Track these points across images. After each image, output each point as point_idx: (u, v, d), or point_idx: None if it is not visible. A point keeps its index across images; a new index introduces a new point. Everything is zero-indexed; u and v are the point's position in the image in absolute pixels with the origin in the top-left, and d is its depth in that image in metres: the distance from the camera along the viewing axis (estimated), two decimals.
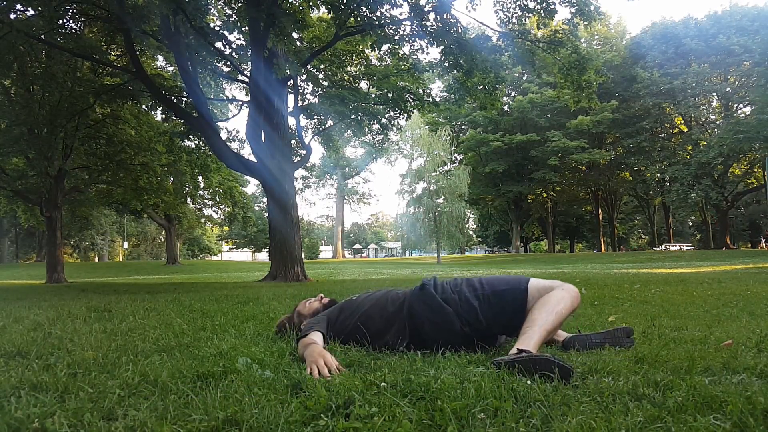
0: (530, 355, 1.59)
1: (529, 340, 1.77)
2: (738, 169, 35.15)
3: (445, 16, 10.39)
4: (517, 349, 1.70)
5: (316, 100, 14.29)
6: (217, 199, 26.72)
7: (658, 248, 39.14)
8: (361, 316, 2.15)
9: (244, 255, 67.56)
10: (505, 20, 11.32)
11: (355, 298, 2.33)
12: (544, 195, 45.51)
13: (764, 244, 40.26)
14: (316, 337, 2.02)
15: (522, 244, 53.02)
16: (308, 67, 12.73)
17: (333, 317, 2.24)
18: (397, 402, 1.32)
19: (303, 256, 12.14)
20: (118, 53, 14.83)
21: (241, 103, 14.61)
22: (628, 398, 1.34)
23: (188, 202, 27.36)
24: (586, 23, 11.22)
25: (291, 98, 13.56)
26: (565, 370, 1.50)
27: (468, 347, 1.99)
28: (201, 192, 25.69)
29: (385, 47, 12.23)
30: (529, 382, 1.46)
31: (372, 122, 14.41)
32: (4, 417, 1.26)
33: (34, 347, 2.23)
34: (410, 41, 11.43)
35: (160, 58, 16.40)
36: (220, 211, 32.90)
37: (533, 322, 1.85)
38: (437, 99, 16.57)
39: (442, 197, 35.10)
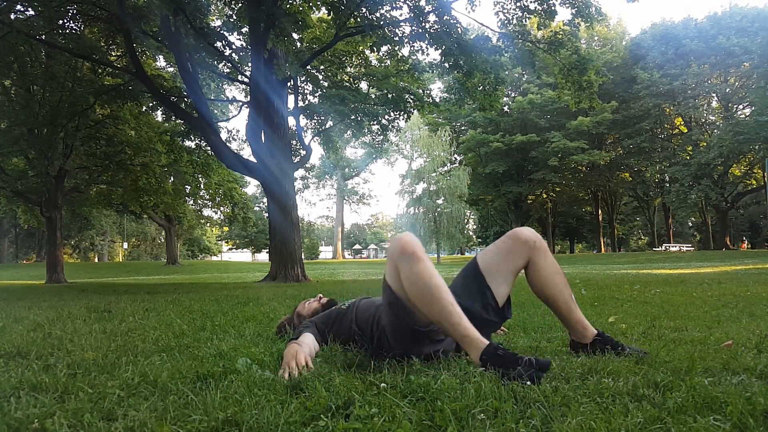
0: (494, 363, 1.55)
1: (466, 339, 1.60)
2: (738, 169, 35.17)
3: (445, 18, 10.40)
4: (479, 360, 1.59)
5: (316, 100, 14.30)
6: (217, 200, 26.75)
7: (657, 249, 39.15)
8: (352, 332, 2.09)
9: (244, 255, 67.54)
10: (506, 21, 11.34)
11: (346, 310, 2.22)
12: (544, 196, 45.54)
13: None
14: (308, 339, 2.00)
15: None
16: (308, 67, 12.75)
17: (320, 325, 2.18)
18: (397, 402, 1.32)
19: (303, 257, 12.14)
20: (118, 54, 14.86)
21: (241, 103, 14.63)
22: (628, 399, 1.34)
23: (189, 202, 27.38)
24: (587, 24, 11.24)
25: (291, 98, 13.57)
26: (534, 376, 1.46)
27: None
28: (201, 192, 25.72)
29: (384, 48, 12.24)
30: (528, 382, 1.47)
31: (372, 123, 14.42)
32: (4, 417, 1.26)
33: (33, 348, 2.23)
34: (410, 42, 11.44)
35: (161, 58, 16.42)
36: (220, 212, 32.93)
37: (441, 322, 1.64)
38: (437, 99, 16.58)
39: (442, 198, 35.14)
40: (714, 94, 36.61)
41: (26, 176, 15.55)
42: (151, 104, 15.66)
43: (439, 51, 10.86)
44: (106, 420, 1.26)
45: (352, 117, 13.34)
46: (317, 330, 2.14)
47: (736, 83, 35.10)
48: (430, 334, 1.81)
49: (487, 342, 1.61)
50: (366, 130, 15.06)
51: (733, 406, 1.22)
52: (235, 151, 13.09)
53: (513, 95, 41.39)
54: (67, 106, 13.63)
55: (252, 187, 45.64)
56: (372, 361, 1.82)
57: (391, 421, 1.20)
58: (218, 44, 11.56)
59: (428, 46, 11.13)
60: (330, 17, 11.64)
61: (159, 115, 17.90)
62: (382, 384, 1.48)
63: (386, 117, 14.26)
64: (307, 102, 14.50)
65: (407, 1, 10.56)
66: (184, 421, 1.23)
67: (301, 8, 12.02)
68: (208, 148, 14.05)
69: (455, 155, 41.93)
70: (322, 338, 2.12)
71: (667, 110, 36.37)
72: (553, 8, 10.92)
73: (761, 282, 6.31)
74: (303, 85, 14.32)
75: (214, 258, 62.27)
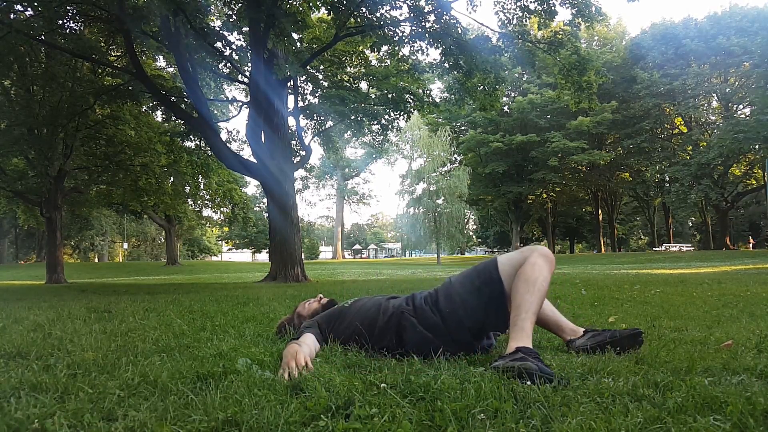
0: (517, 360, 1.59)
1: (521, 332, 1.73)
2: (738, 169, 35.16)
3: (444, 17, 10.39)
4: (515, 348, 1.68)
5: (316, 100, 14.30)
6: (217, 201, 26.77)
7: (657, 249, 39.15)
8: (354, 328, 2.10)
9: (244, 256, 67.52)
10: (506, 21, 11.32)
11: (348, 307, 2.25)
12: (544, 195, 45.52)
13: None
14: (309, 339, 2.00)
15: (522, 245, 52.82)
16: (308, 67, 12.75)
17: (323, 326, 2.19)
18: (398, 402, 1.32)
19: (303, 257, 12.14)
20: (118, 54, 14.85)
21: (241, 103, 14.63)
22: (627, 399, 1.34)
23: (189, 202, 27.38)
24: (587, 24, 11.22)
25: (291, 99, 13.57)
26: (548, 378, 1.49)
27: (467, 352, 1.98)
28: (201, 192, 25.74)
29: (384, 48, 12.22)
30: (529, 382, 1.47)
31: (372, 123, 14.42)
32: (4, 418, 1.26)
33: (33, 348, 2.23)
34: (410, 42, 11.43)
35: (161, 58, 16.43)
36: (219, 212, 32.95)
37: (519, 308, 1.80)
38: (437, 100, 16.57)
39: (442, 198, 35.15)
40: (714, 94, 36.59)
41: (26, 176, 15.55)
42: (151, 104, 15.65)
43: (439, 51, 10.86)
44: (106, 420, 1.26)
45: (352, 117, 13.34)
46: (319, 329, 2.15)
47: (736, 83, 35.08)
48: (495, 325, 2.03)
49: (531, 347, 1.72)
50: (366, 130, 15.07)
51: (733, 406, 1.22)
52: (235, 152, 13.08)
53: (513, 95, 41.37)
54: (67, 107, 13.62)
55: (252, 187, 45.62)
56: (372, 362, 1.83)
57: (391, 421, 1.20)
58: (218, 44, 11.56)
59: (428, 46, 11.11)
60: (330, 17, 11.63)
61: (159, 116, 17.90)
62: (382, 384, 1.48)
63: (386, 117, 14.26)
64: (307, 102, 14.50)
65: (407, 1, 10.55)
66: (184, 421, 1.23)
67: (301, 8, 12.02)
68: (208, 148, 14.04)
69: (455, 155, 41.92)
70: (324, 338, 2.12)
71: (667, 110, 36.35)
72: (553, 8, 10.90)
73: (761, 282, 6.31)
74: (303, 85, 14.31)
75: (214, 258, 62.26)
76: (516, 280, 1.87)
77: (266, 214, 26.46)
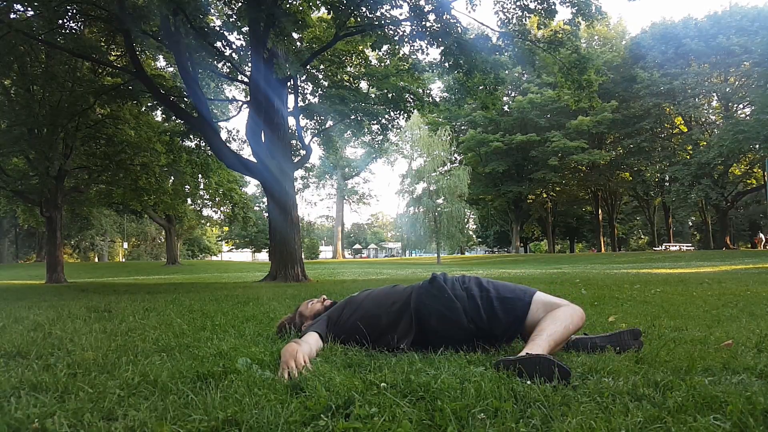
0: (530, 355, 1.59)
1: (538, 347, 1.76)
2: (738, 169, 35.15)
3: (445, 17, 10.38)
4: (526, 353, 1.69)
5: (316, 100, 14.29)
6: (217, 200, 26.74)
7: (657, 248, 39.12)
8: (364, 315, 2.15)
9: (244, 255, 67.53)
10: (506, 21, 11.31)
11: (357, 295, 2.33)
12: (544, 195, 45.51)
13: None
14: (311, 338, 2.02)
15: (522, 245, 53.03)
16: (308, 67, 12.74)
17: (334, 317, 2.24)
18: (397, 402, 1.32)
19: (303, 257, 12.14)
20: (118, 53, 14.83)
21: (241, 103, 14.62)
22: (628, 398, 1.34)
23: (188, 202, 27.34)
24: (587, 23, 11.21)
25: (291, 98, 13.56)
26: (564, 372, 1.50)
27: (470, 345, 2.00)
28: (201, 192, 25.72)
29: (384, 47, 12.22)
30: (528, 382, 1.47)
31: (372, 122, 14.41)
32: (4, 417, 1.26)
33: (34, 347, 2.23)
34: (410, 42, 11.42)
35: (161, 58, 16.41)
36: (220, 212, 32.94)
37: (542, 331, 1.85)
38: (437, 99, 16.55)
39: (442, 197, 35.09)
40: (714, 94, 36.57)
41: (26, 176, 15.53)
42: (150, 104, 15.64)
43: (439, 50, 10.85)
44: (106, 420, 1.26)
45: (352, 117, 13.33)
46: (327, 324, 2.20)
47: (736, 83, 35.07)
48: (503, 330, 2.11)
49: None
50: (366, 130, 15.05)
51: (733, 406, 1.22)
52: (235, 151, 13.08)
53: (513, 95, 41.36)
54: (67, 106, 13.61)
55: (252, 187, 45.65)
56: (372, 362, 1.82)
57: (391, 421, 1.20)
58: (218, 44, 11.54)
59: (428, 46, 11.10)
60: (330, 17, 11.62)
61: (159, 115, 17.89)
62: (382, 383, 1.48)
63: (386, 117, 14.25)
64: (307, 102, 14.49)
65: (407, 1, 10.54)
66: (184, 420, 1.23)
67: (301, 8, 12.01)
68: (208, 148, 14.03)
69: (455, 155, 41.92)
70: (327, 336, 2.15)
71: (667, 110, 36.33)
72: (553, 7, 10.89)
73: (761, 281, 6.31)
74: (303, 84, 14.30)
75: (214, 258, 62.26)
76: (545, 316, 1.95)
77: (266, 214, 26.47)
